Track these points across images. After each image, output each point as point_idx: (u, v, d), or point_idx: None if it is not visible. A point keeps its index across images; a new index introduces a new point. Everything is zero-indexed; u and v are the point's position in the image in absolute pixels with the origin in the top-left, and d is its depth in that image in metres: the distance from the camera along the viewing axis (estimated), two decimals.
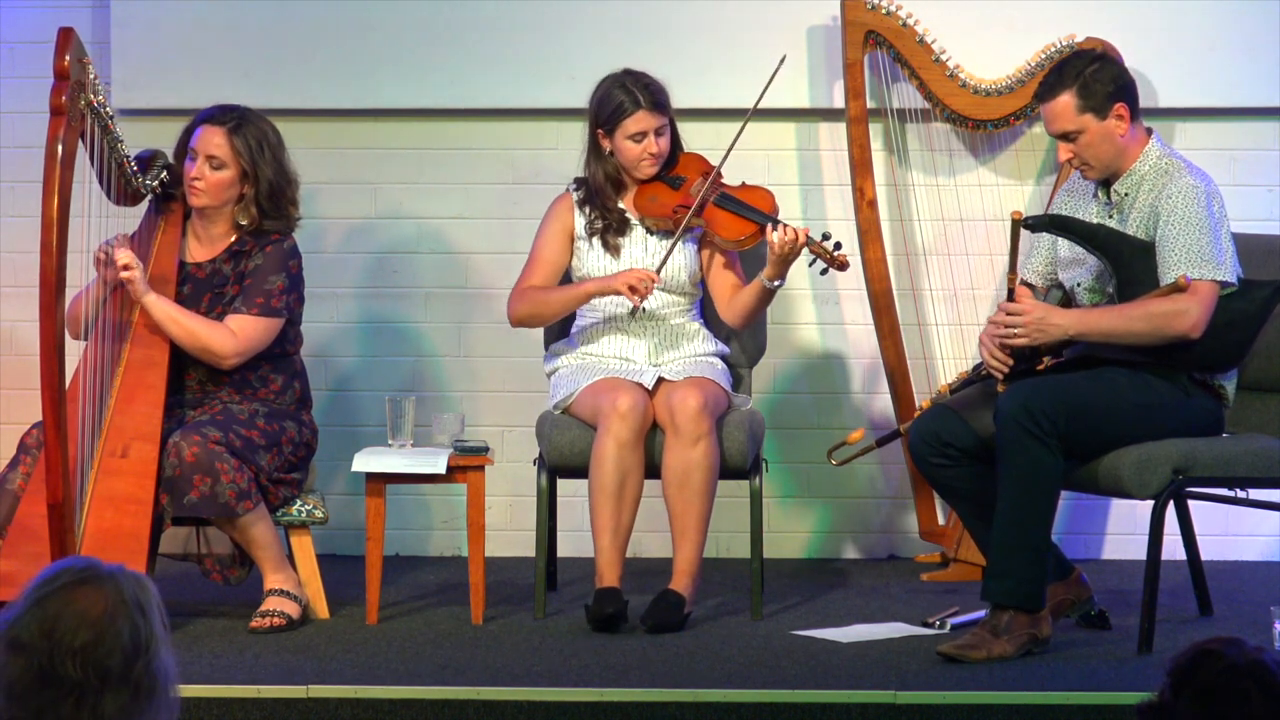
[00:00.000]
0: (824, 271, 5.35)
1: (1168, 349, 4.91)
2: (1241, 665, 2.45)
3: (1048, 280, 5.18)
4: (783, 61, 5.50)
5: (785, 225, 5.29)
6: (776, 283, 5.36)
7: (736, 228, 5.44)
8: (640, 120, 5.43)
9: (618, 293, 5.36)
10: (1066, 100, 4.95)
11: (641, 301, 5.35)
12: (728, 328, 5.57)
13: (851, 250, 5.66)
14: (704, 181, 5.47)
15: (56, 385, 4.81)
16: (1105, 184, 5.06)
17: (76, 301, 5.21)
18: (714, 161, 5.53)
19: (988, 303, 6.22)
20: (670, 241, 5.45)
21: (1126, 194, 5.01)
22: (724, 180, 5.50)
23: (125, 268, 5.17)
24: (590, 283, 5.45)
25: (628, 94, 5.44)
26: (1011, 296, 5.00)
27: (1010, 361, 4.97)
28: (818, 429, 6.40)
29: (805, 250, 5.30)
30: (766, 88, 5.46)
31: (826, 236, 5.32)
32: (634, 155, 5.46)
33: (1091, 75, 4.96)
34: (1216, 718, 2.45)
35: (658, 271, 5.40)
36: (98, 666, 2.41)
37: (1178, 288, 4.85)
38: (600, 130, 5.49)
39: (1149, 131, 5.05)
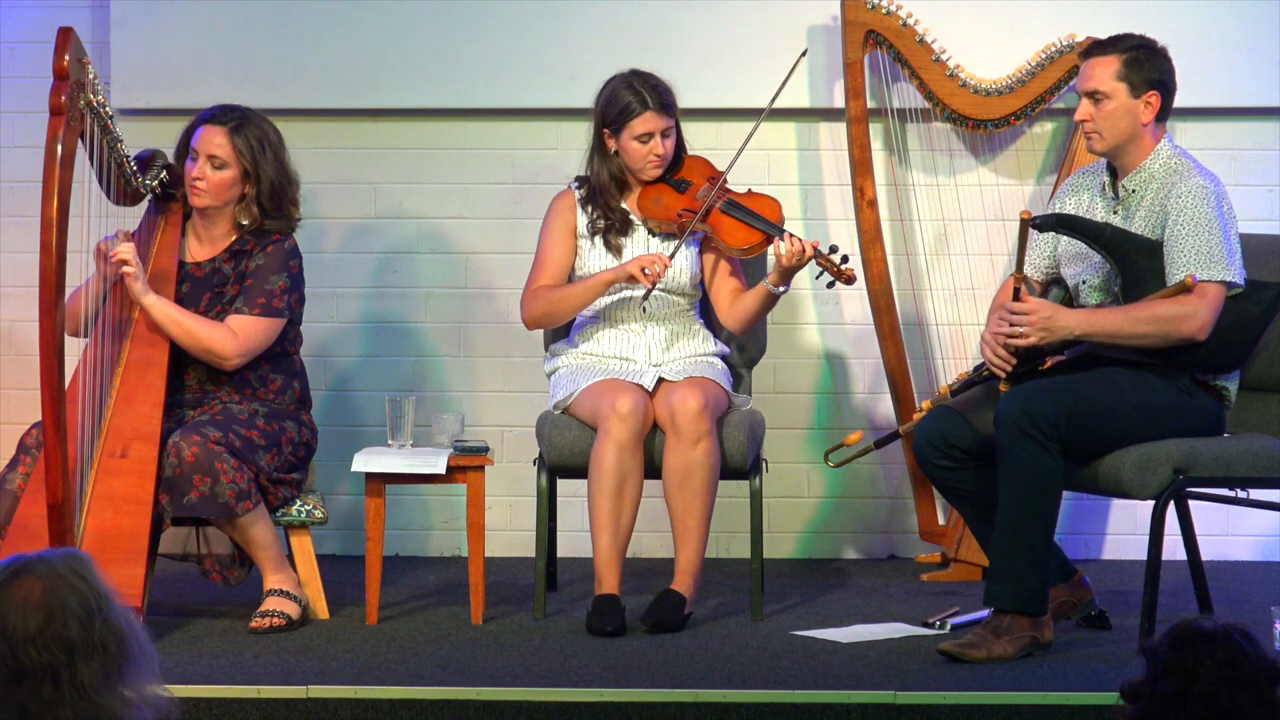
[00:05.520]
0: (830, 285, 5.33)
1: (1171, 350, 4.91)
2: (1206, 628, 2.53)
3: (1048, 275, 5.18)
4: (803, 54, 5.53)
5: (793, 237, 5.29)
6: (781, 289, 5.35)
7: (743, 236, 5.43)
8: (647, 121, 5.43)
9: (631, 277, 5.35)
10: (1110, 61, 5.00)
11: (653, 285, 5.33)
12: (727, 329, 5.57)
13: (851, 250, 5.66)
14: (710, 187, 5.46)
15: (56, 385, 4.81)
16: (1113, 178, 5.07)
17: (75, 296, 5.20)
18: (719, 165, 5.53)
19: (988, 303, 6.20)
20: (674, 245, 5.44)
21: (1134, 190, 5.01)
22: (729, 186, 5.49)
23: (124, 263, 5.17)
24: (604, 272, 5.43)
25: (635, 95, 5.43)
26: (1017, 296, 4.99)
27: (1013, 361, 4.97)
28: (818, 429, 6.41)
29: (812, 262, 5.30)
30: (786, 81, 5.48)
31: (834, 249, 5.31)
32: (639, 156, 5.46)
33: (1144, 55, 5.01)
34: (1187, 673, 2.51)
35: (682, 240, 5.38)
36: (59, 641, 2.42)
37: (1184, 287, 4.85)
38: (606, 130, 5.49)
39: (1166, 134, 5.07)
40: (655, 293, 5.44)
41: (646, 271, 5.31)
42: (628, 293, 5.46)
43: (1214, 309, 4.88)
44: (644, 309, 5.45)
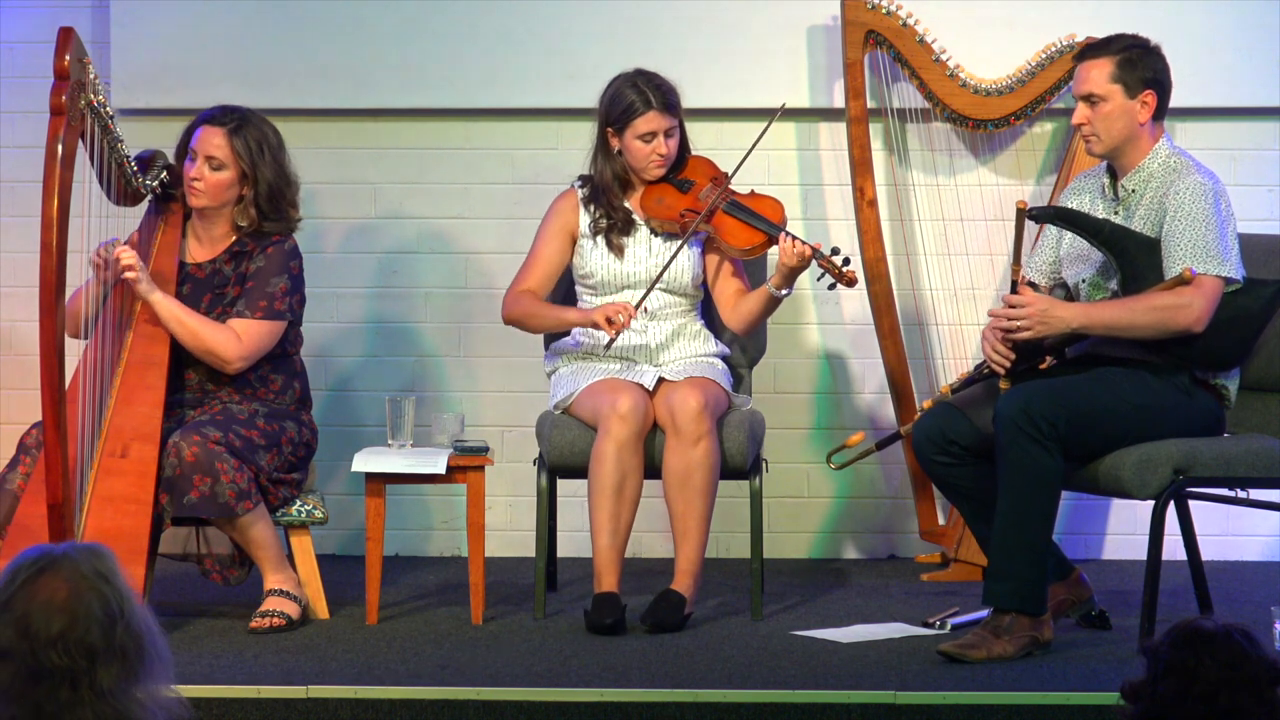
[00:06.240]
0: (832, 286, 5.34)
1: (1171, 345, 4.91)
2: (1207, 629, 2.54)
3: (1052, 279, 5.18)
4: (782, 108, 5.53)
5: (795, 239, 5.29)
6: (784, 291, 5.36)
7: (745, 236, 5.44)
8: (651, 121, 5.43)
9: (596, 325, 5.35)
10: (1104, 64, 4.99)
11: (617, 335, 5.33)
12: (729, 330, 5.57)
13: (852, 250, 5.66)
14: (713, 187, 5.46)
15: (56, 385, 4.81)
16: (1113, 179, 5.07)
17: (75, 298, 5.20)
18: (721, 166, 5.53)
19: (988, 303, 6.22)
20: (675, 246, 5.44)
21: (1134, 190, 5.02)
22: (732, 186, 5.49)
23: (128, 268, 5.17)
24: (572, 313, 5.46)
25: (639, 94, 5.43)
26: (1015, 289, 5.00)
27: (1012, 356, 4.97)
28: (818, 429, 6.41)
29: (814, 264, 5.30)
30: (764, 132, 5.48)
31: (836, 251, 5.31)
32: (643, 156, 5.46)
33: (1137, 55, 5.01)
34: (1187, 673, 2.52)
35: (657, 280, 5.40)
36: (81, 646, 2.43)
37: (1182, 280, 4.86)
38: (610, 129, 5.49)
39: (1164, 133, 5.08)
40: (653, 295, 5.44)
41: (612, 321, 5.31)
42: (599, 336, 5.46)
43: (1210, 301, 4.88)
44: (603, 351, 5.44)
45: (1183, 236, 4.89)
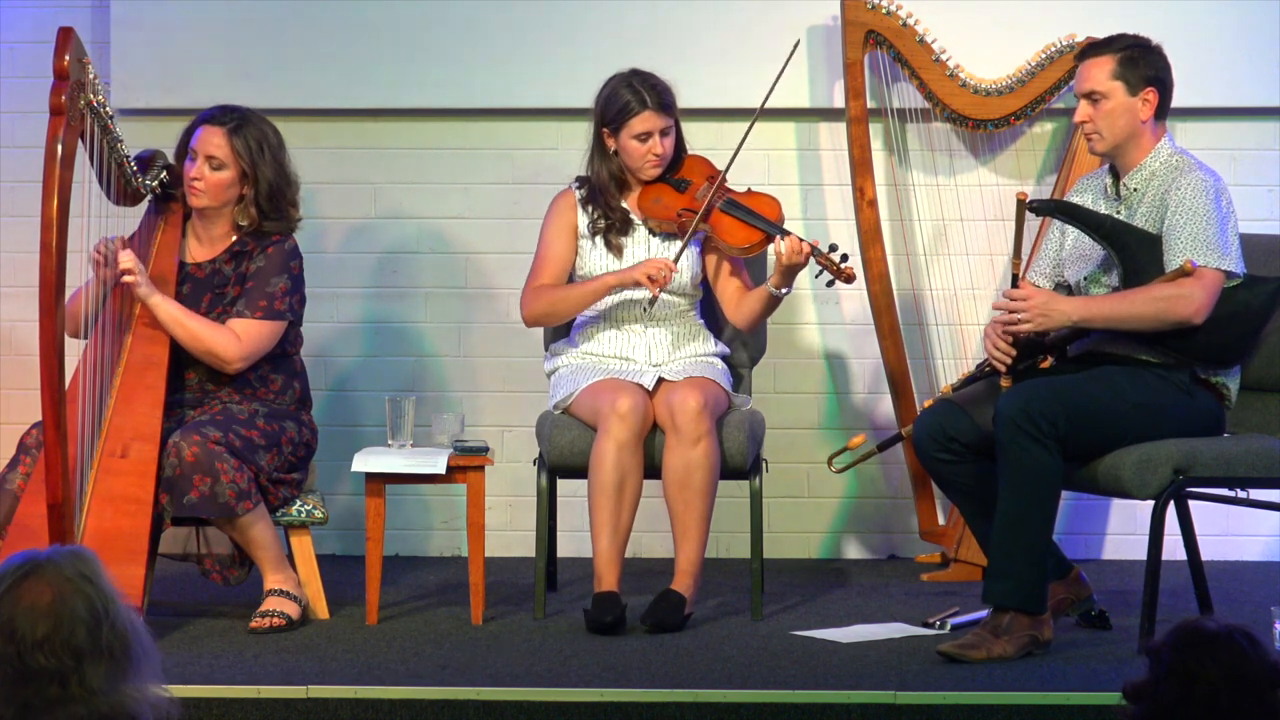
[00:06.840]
0: (830, 283, 5.34)
1: (1172, 340, 4.91)
2: (1209, 630, 2.55)
3: (1054, 281, 5.18)
4: (796, 46, 5.53)
5: (793, 236, 5.29)
6: (784, 290, 5.36)
7: (743, 235, 5.44)
8: (646, 120, 5.43)
9: (637, 283, 5.35)
10: (1105, 61, 5.01)
11: (660, 290, 5.33)
12: (730, 328, 5.57)
13: (851, 250, 5.66)
14: (710, 186, 5.46)
15: (56, 385, 4.81)
16: (1115, 179, 5.07)
17: (75, 299, 5.21)
18: (718, 164, 5.53)
19: (988, 302, 6.21)
20: (679, 246, 5.43)
21: (1136, 189, 5.02)
22: (729, 185, 5.49)
23: (127, 271, 5.17)
24: (609, 275, 5.43)
25: (634, 94, 5.43)
26: (1015, 283, 5.00)
27: (1013, 353, 4.97)
28: (818, 429, 6.41)
29: (812, 261, 5.30)
30: (781, 72, 5.46)
31: (834, 248, 5.31)
32: (638, 156, 5.46)
33: (1139, 54, 5.03)
34: (1189, 674, 2.52)
35: (687, 242, 5.39)
36: (67, 648, 2.44)
37: (1183, 272, 4.86)
38: (605, 129, 5.49)
39: (1166, 133, 5.08)
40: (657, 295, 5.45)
41: (654, 278, 5.30)
42: (630, 295, 5.46)
43: (1210, 293, 4.89)
44: (645, 308, 5.45)
45: (1183, 230, 4.90)
